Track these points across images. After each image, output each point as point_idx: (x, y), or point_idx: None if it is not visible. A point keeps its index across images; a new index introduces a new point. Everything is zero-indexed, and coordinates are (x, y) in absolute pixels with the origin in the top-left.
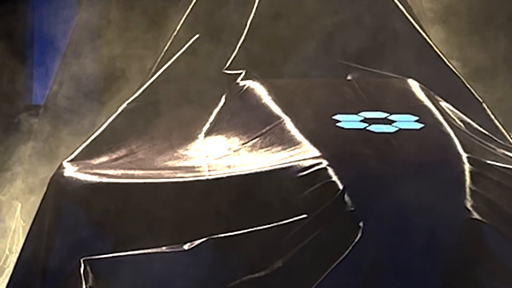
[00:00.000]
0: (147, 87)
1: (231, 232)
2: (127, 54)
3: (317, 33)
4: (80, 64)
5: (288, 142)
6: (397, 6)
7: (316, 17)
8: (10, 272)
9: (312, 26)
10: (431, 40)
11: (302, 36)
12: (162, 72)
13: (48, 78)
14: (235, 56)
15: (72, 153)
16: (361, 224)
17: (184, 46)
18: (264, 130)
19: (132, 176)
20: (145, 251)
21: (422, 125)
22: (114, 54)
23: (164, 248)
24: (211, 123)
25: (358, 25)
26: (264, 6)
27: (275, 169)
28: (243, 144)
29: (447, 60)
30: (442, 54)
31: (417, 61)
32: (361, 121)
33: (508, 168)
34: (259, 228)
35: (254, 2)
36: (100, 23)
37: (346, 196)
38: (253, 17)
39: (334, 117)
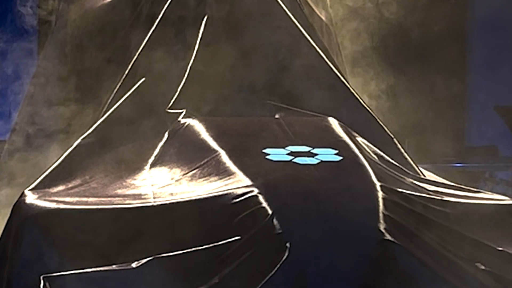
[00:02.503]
0: (99, 124)
1: (174, 251)
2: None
3: (248, 77)
4: (40, 104)
5: (224, 172)
6: (319, 54)
7: (248, 63)
8: None
9: (244, 71)
10: (348, 83)
11: (235, 80)
12: (113, 111)
13: (12, 115)
14: (176, 97)
15: (33, 183)
16: (287, 244)
17: (131, 88)
18: (202, 162)
19: (86, 203)
20: (97, 268)
21: (341, 158)
22: (71, 95)
23: (114, 266)
24: (155, 156)
25: (284, 70)
26: (202, 53)
27: (212, 196)
28: (184, 174)
29: (363, 101)
30: (358, 95)
31: (336, 101)
32: (288, 154)
33: (416, 195)
34: (198, 248)
35: (194, 50)
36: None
37: (274, 220)
38: (192, 62)
39: (264, 151)
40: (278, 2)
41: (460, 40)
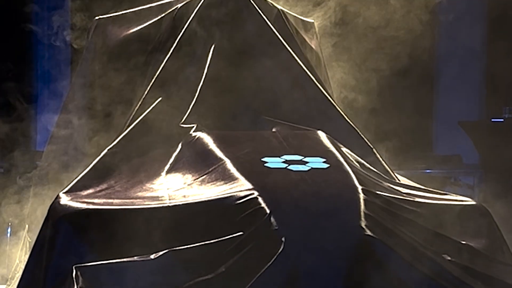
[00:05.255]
0: (123, 137)
1: (186, 245)
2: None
3: (249, 96)
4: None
5: (228, 178)
6: (311, 78)
7: (249, 86)
8: (19, 276)
9: (245, 91)
10: (335, 102)
11: (238, 100)
12: (134, 126)
13: (49, 128)
14: (188, 114)
15: (66, 186)
16: (283, 239)
17: (150, 107)
18: (210, 169)
19: (112, 204)
20: (121, 259)
21: (328, 165)
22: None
23: (135, 257)
24: (170, 164)
25: (280, 91)
26: (210, 75)
27: (218, 198)
28: (195, 179)
29: (347, 117)
30: (343, 111)
31: (325, 117)
32: (283, 162)
33: (392, 197)
34: (207, 242)
35: (203, 73)
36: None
37: (272, 218)
38: (202, 84)
39: (262, 159)
40: (275, 34)
41: (429, 64)
